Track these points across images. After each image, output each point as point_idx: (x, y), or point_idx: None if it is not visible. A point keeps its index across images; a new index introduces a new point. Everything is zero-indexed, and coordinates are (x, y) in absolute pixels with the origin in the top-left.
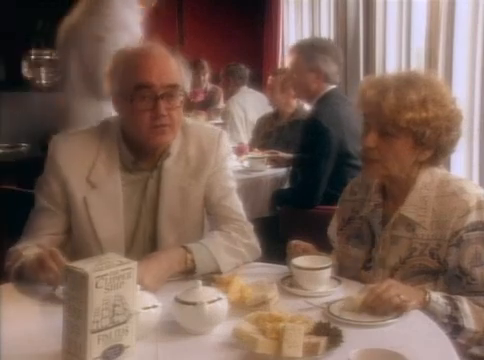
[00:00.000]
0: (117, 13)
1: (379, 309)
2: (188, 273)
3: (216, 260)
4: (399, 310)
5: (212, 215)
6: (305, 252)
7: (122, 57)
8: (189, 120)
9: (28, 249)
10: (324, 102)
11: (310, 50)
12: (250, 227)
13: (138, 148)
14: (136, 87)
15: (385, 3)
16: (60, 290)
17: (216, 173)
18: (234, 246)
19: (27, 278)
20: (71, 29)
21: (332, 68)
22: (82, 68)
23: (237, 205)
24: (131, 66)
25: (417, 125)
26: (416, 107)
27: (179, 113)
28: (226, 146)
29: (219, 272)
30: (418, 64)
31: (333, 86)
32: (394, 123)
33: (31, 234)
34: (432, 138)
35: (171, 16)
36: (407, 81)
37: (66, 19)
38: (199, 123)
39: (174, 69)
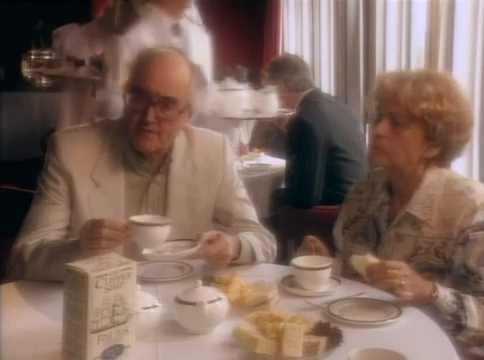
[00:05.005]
0: None
1: (377, 282)
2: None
3: (255, 255)
4: (394, 293)
5: (233, 228)
6: (317, 252)
7: (141, 55)
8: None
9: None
10: (305, 103)
11: (271, 70)
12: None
13: (136, 148)
14: (135, 88)
15: (385, 3)
16: (149, 251)
17: (228, 184)
18: (266, 248)
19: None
20: None
21: (294, 78)
22: None
23: (255, 215)
24: (141, 66)
25: (430, 116)
26: (432, 99)
27: (172, 125)
28: (231, 154)
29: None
30: (418, 63)
31: (309, 90)
32: (408, 112)
33: (36, 229)
34: (443, 134)
35: None
36: (426, 75)
37: None
38: (201, 129)
39: (179, 83)
